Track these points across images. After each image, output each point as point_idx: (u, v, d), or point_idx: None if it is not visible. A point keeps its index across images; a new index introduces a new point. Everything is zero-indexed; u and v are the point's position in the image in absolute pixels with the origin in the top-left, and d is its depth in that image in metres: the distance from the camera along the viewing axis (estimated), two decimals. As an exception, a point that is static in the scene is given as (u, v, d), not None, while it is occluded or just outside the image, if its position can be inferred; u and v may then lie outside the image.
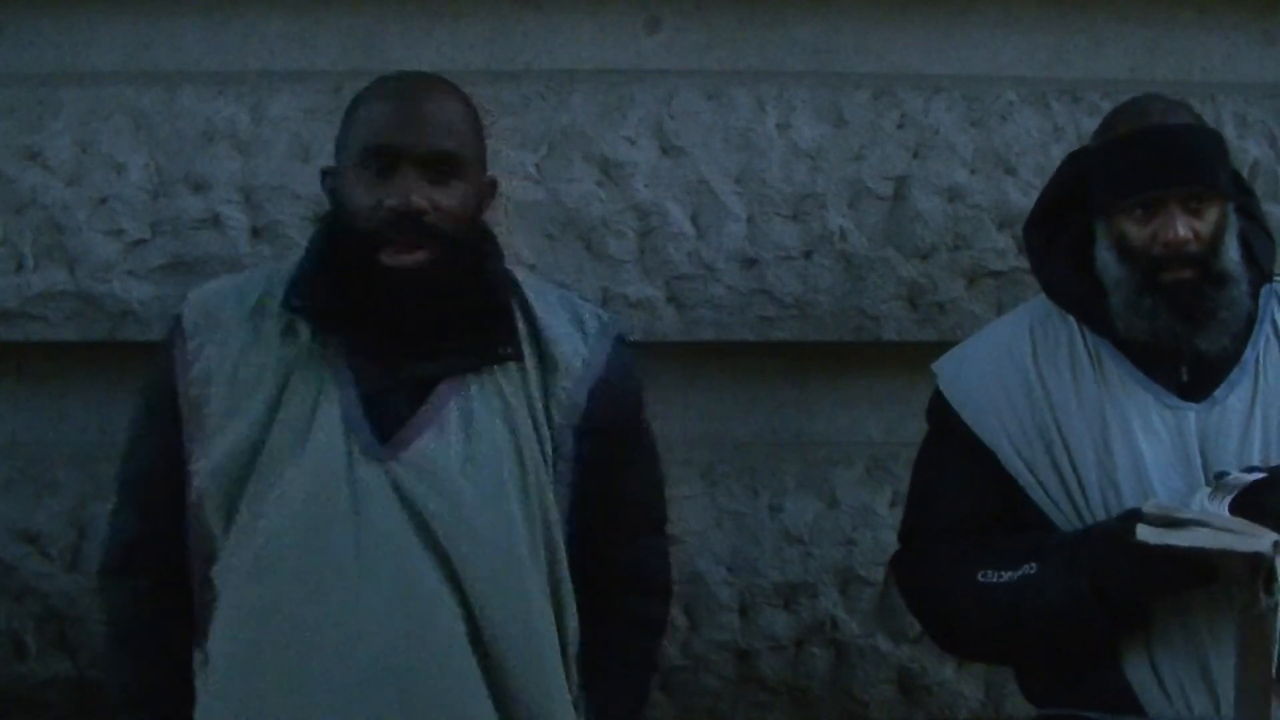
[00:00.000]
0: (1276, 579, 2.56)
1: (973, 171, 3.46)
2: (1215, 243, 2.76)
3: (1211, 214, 2.77)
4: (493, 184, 2.76)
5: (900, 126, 3.46)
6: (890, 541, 3.20)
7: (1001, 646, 2.88)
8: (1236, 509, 2.62)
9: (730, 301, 3.42)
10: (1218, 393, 2.79)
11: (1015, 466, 2.82)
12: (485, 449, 2.61)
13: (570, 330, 2.72)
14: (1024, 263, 3.02)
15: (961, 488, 2.86)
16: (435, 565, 2.56)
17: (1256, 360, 2.82)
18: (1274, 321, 2.85)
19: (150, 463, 2.70)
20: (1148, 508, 2.63)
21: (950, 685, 3.46)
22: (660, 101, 3.42)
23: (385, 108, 2.65)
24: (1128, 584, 2.67)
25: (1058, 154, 3.19)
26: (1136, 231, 2.77)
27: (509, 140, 3.38)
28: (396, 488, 2.58)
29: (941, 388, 2.92)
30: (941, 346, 3.07)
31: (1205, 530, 2.58)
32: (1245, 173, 3.45)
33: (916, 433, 3.02)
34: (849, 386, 3.54)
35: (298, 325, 2.65)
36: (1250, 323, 2.83)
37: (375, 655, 2.53)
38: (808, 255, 3.44)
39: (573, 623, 2.66)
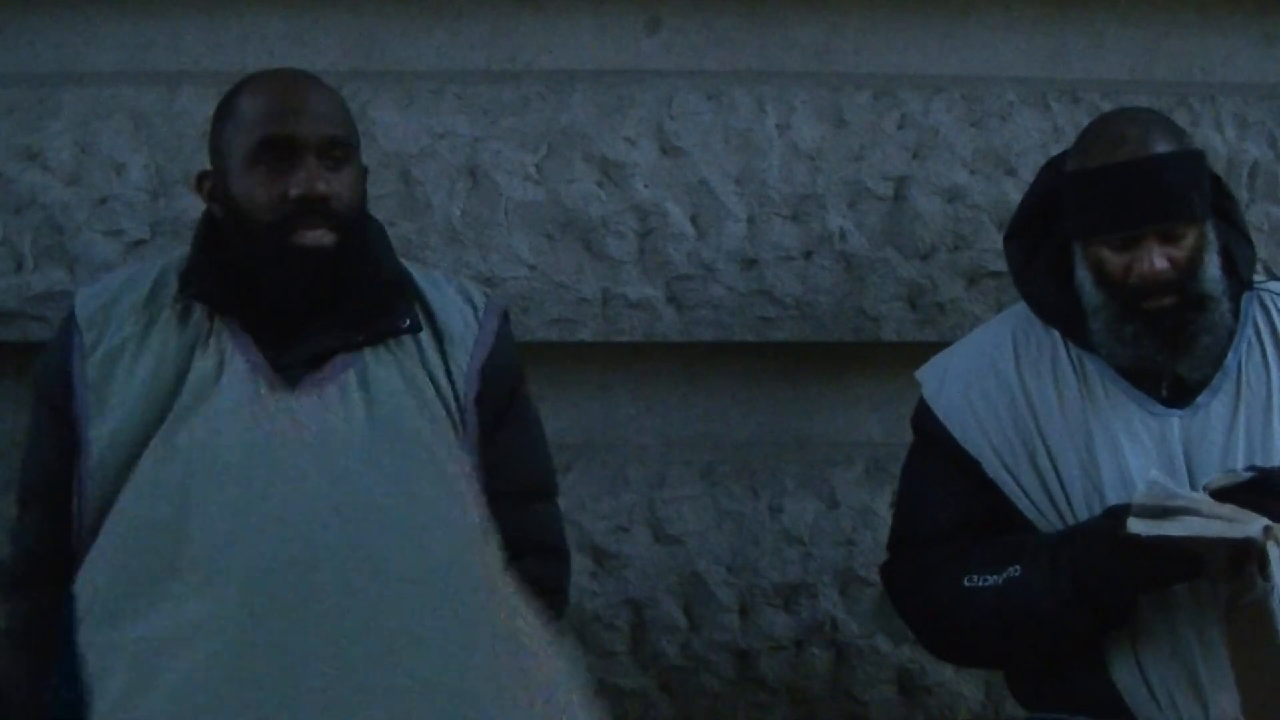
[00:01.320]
0: (1269, 563, 2.56)
1: (972, 172, 3.46)
2: (1193, 267, 2.75)
3: (1189, 239, 2.75)
4: (365, 171, 2.81)
5: (900, 127, 3.46)
6: (890, 542, 3.21)
7: (990, 650, 2.89)
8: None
9: (730, 302, 3.42)
10: (1201, 399, 2.79)
11: (1000, 476, 2.82)
12: (387, 409, 2.64)
13: (461, 305, 2.78)
14: (1007, 265, 3.02)
15: (948, 497, 2.86)
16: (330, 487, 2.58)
17: (1239, 366, 2.82)
18: (1256, 327, 2.85)
19: (52, 469, 2.72)
20: (1138, 497, 2.63)
21: (950, 686, 3.47)
22: (660, 102, 3.42)
23: (272, 102, 2.69)
24: (1113, 580, 2.67)
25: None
26: (1113, 260, 2.75)
27: (509, 140, 3.39)
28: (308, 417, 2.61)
29: (926, 397, 2.92)
30: (941, 347, 3.07)
31: (1196, 518, 2.58)
32: (1245, 173, 3.46)
33: (911, 441, 3.02)
34: (849, 387, 3.54)
35: (194, 310, 2.69)
36: (1231, 329, 2.82)
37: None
38: (808, 256, 3.44)
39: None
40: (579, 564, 3.37)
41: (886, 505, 3.40)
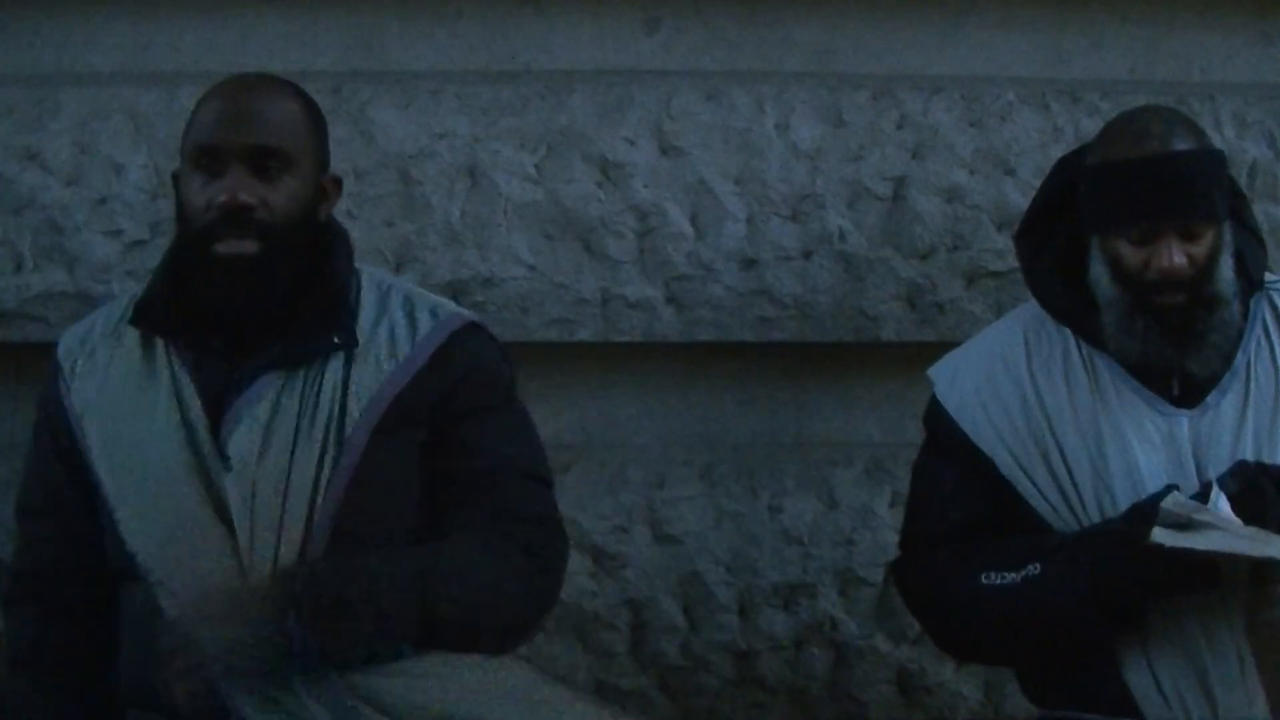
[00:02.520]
0: None
1: (972, 172, 3.46)
2: (1209, 266, 2.76)
3: (1207, 237, 2.76)
4: (336, 182, 2.81)
5: (899, 127, 3.46)
6: (890, 542, 3.20)
7: (1005, 648, 2.88)
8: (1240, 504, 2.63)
9: (729, 302, 3.42)
10: (1210, 398, 2.80)
11: (1013, 474, 2.83)
12: (277, 444, 2.66)
13: (399, 327, 2.75)
14: (1018, 263, 3.02)
15: (960, 495, 2.86)
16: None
17: (1248, 365, 2.82)
18: (1265, 326, 2.85)
19: (39, 495, 2.80)
20: (1166, 504, 2.63)
21: (949, 686, 3.47)
22: (660, 102, 3.42)
23: (215, 107, 2.71)
24: (1131, 585, 2.68)
25: (1057, 154, 3.18)
26: (1131, 254, 2.76)
27: (509, 140, 3.39)
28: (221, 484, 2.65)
29: (938, 395, 2.92)
30: (941, 347, 3.08)
31: (1219, 534, 2.59)
32: (1244, 173, 3.46)
33: (916, 433, 3.02)
34: (848, 387, 3.54)
35: (152, 335, 2.73)
36: (1240, 329, 2.82)
37: None
38: (807, 256, 3.44)
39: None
40: (579, 564, 3.37)
41: (886, 505, 3.40)
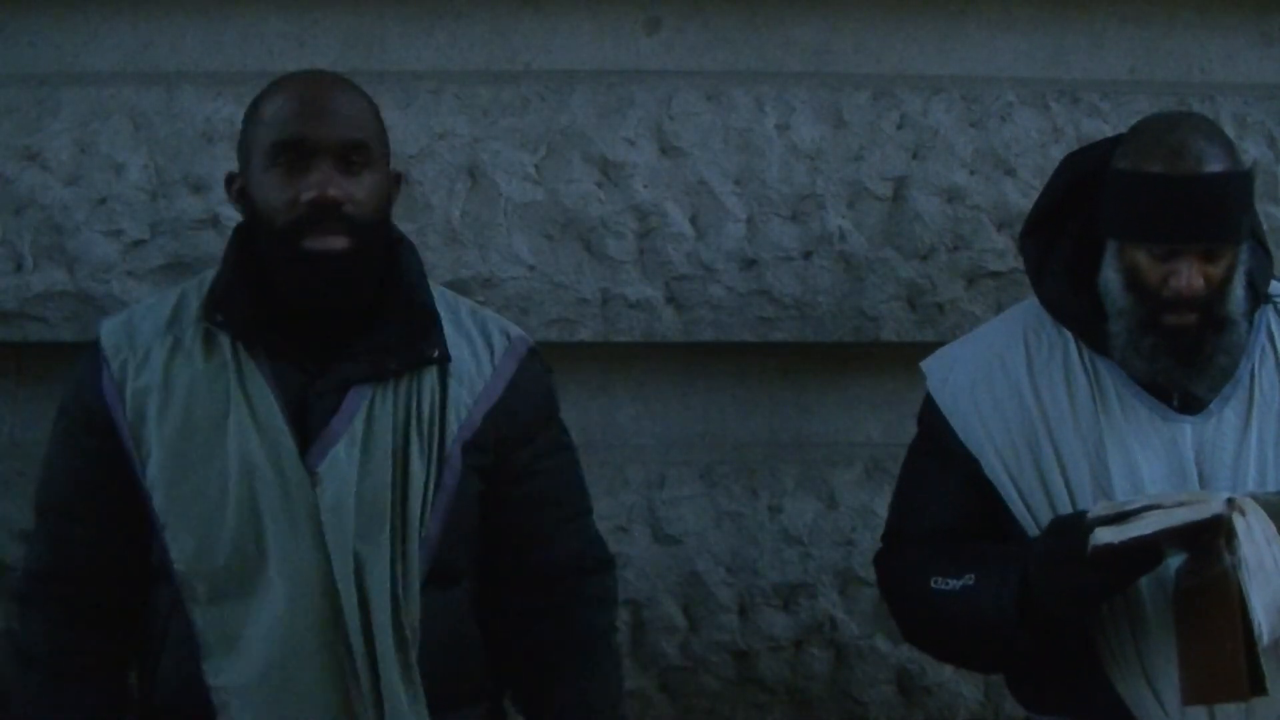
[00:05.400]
0: (1236, 536, 2.56)
1: (972, 172, 3.46)
2: (1224, 287, 2.73)
3: (1226, 258, 2.73)
4: (398, 178, 2.78)
5: (900, 127, 3.46)
6: (889, 542, 3.21)
7: (955, 651, 2.92)
8: None
9: (729, 302, 3.42)
10: (1213, 406, 2.78)
11: (998, 477, 2.82)
12: (378, 457, 2.63)
13: (476, 344, 2.74)
14: (1023, 264, 3.01)
15: (941, 495, 2.86)
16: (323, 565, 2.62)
17: (1251, 374, 2.81)
18: (1270, 336, 2.84)
19: (66, 494, 2.72)
20: (1095, 510, 2.63)
21: (949, 686, 3.47)
22: (660, 102, 3.42)
23: (291, 104, 2.65)
24: (1084, 594, 2.66)
25: (1057, 155, 3.19)
26: (1150, 268, 2.72)
27: (509, 140, 3.39)
28: (307, 500, 2.62)
29: (930, 389, 2.92)
30: (941, 347, 3.07)
31: (1159, 512, 2.58)
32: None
33: (915, 433, 3.02)
34: (848, 387, 3.54)
35: (218, 336, 2.66)
36: (1245, 343, 2.81)
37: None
38: (807, 256, 3.44)
39: (413, 613, 2.66)
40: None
41: (886, 505, 3.39)
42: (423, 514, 2.64)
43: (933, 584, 2.79)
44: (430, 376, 2.67)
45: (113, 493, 2.68)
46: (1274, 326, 2.85)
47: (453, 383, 2.68)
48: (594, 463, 3.41)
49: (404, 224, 3.33)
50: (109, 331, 2.72)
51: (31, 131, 3.33)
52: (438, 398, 2.67)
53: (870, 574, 3.06)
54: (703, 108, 3.43)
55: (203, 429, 2.64)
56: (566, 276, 3.39)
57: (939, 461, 2.88)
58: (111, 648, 2.73)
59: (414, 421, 2.65)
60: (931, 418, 2.91)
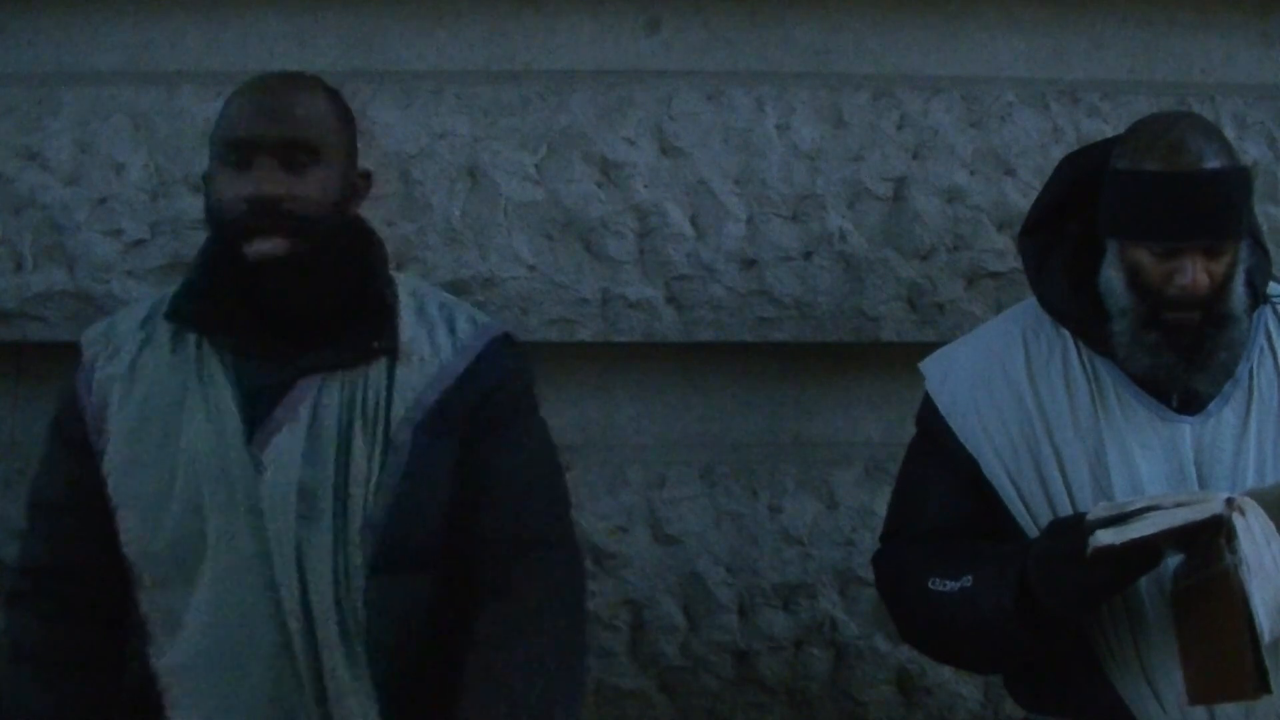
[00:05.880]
0: (1236, 535, 2.57)
1: (972, 172, 3.46)
2: (1225, 284, 2.73)
3: (1227, 256, 2.73)
4: (366, 176, 2.79)
5: (900, 127, 3.46)
6: (889, 542, 3.21)
7: (953, 652, 2.92)
8: None
9: (729, 302, 3.42)
10: (1212, 406, 2.78)
11: (997, 478, 2.82)
12: (323, 445, 2.67)
13: (439, 331, 2.76)
14: (1022, 264, 3.02)
15: (941, 495, 2.86)
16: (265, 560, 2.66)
17: (1250, 374, 2.81)
18: (1268, 335, 2.84)
19: (57, 491, 2.77)
20: (1094, 512, 2.63)
21: (949, 686, 3.47)
22: (660, 102, 3.42)
23: (243, 103, 2.70)
24: (1084, 595, 2.66)
25: (1057, 155, 3.19)
26: (1152, 266, 2.72)
27: (509, 140, 3.39)
28: (249, 486, 2.65)
29: (929, 390, 2.92)
30: (940, 347, 3.07)
31: (1159, 513, 2.59)
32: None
33: (914, 434, 3.02)
34: (848, 387, 3.54)
35: (185, 332, 2.72)
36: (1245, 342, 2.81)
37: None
38: (807, 256, 3.44)
39: (355, 600, 2.68)
40: (578, 564, 3.38)
41: (885, 505, 3.40)
42: (365, 499, 2.67)
43: (931, 584, 2.79)
44: (379, 366, 2.71)
45: (93, 486, 2.72)
46: (1272, 327, 2.85)
47: (401, 368, 2.71)
48: (594, 463, 3.42)
49: (404, 224, 3.34)
50: (90, 331, 2.80)
51: (31, 131, 3.33)
52: (384, 384, 2.70)
53: (870, 574, 3.06)
54: (703, 108, 3.43)
55: (159, 417, 2.69)
56: (566, 276, 3.39)
57: (938, 462, 2.88)
58: (103, 642, 2.76)
59: (358, 408, 2.68)
60: (930, 418, 2.91)
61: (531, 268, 3.39)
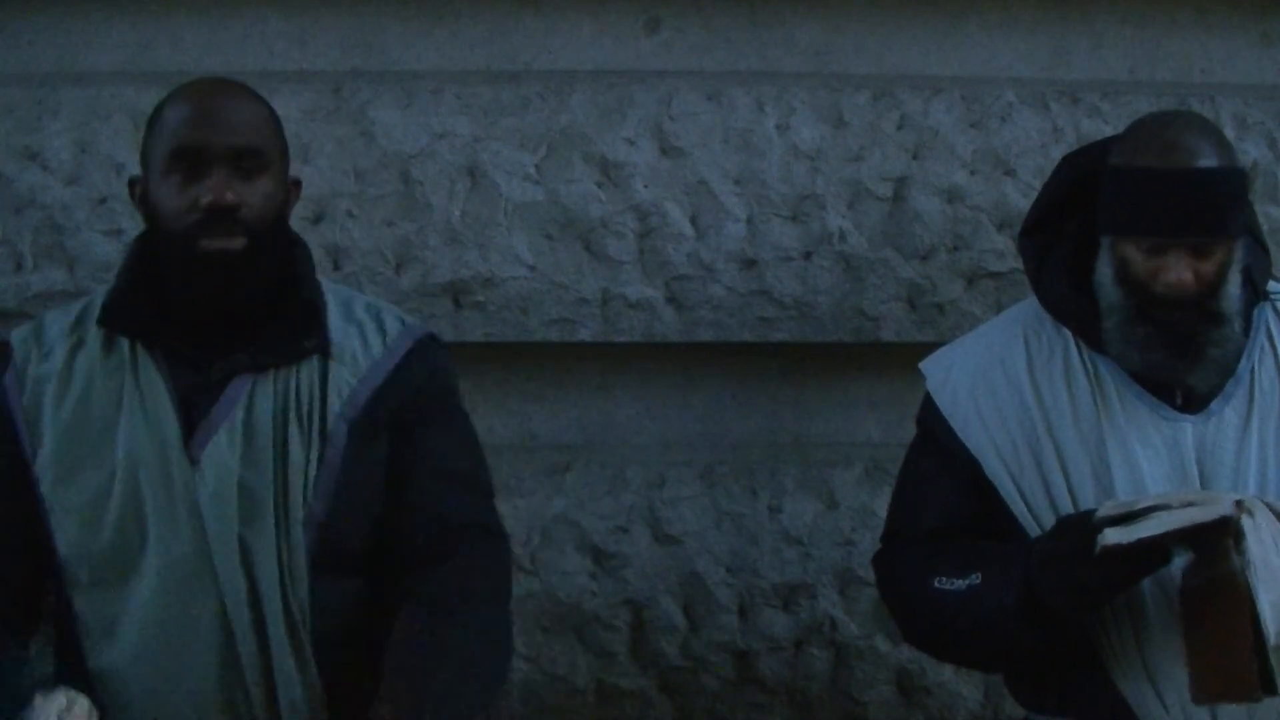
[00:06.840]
0: (1244, 537, 2.57)
1: (972, 173, 3.46)
2: (1216, 283, 2.72)
3: (1218, 255, 2.72)
4: (297, 184, 2.82)
5: (900, 127, 3.46)
6: (889, 542, 3.20)
7: (958, 652, 2.92)
8: None
9: (729, 302, 3.42)
10: (1213, 405, 2.78)
11: (999, 477, 2.81)
12: (259, 444, 2.69)
13: (367, 331, 2.78)
14: (1022, 264, 3.02)
15: (941, 495, 2.86)
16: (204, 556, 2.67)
17: (1251, 373, 2.81)
18: (1269, 334, 2.84)
19: None
20: (1102, 510, 2.64)
21: (949, 686, 3.47)
22: (660, 102, 3.42)
23: (187, 110, 2.71)
24: (1090, 593, 2.67)
25: (1057, 155, 3.18)
26: (1140, 262, 2.72)
27: (509, 140, 3.39)
28: (188, 487, 2.67)
29: (930, 390, 2.91)
30: (940, 347, 3.07)
31: (1167, 512, 2.59)
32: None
33: (914, 434, 3.02)
34: (848, 387, 3.54)
35: (117, 337, 2.73)
36: (1242, 341, 2.80)
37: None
38: (807, 256, 3.44)
39: (301, 595, 2.70)
40: (579, 564, 3.37)
41: (885, 505, 3.40)
42: (305, 495, 2.69)
43: (936, 584, 2.78)
44: (311, 364, 2.73)
45: (17, 487, 2.72)
46: (1273, 325, 2.85)
47: (334, 365, 2.74)
48: (594, 463, 3.42)
49: (404, 224, 3.35)
50: (19, 331, 2.81)
51: (31, 131, 3.33)
52: (317, 380, 2.73)
53: (870, 574, 3.07)
54: (703, 108, 3.43)
55: (96, 422, 2.70)
56: (566, 276, 3.39)
57: (938, 462, 2.88)
58: (9, 633, 2.73)
59: (293, 405, 2.71)
60: (931, 418, 2.91)
61: (531, 268, 3.39)
